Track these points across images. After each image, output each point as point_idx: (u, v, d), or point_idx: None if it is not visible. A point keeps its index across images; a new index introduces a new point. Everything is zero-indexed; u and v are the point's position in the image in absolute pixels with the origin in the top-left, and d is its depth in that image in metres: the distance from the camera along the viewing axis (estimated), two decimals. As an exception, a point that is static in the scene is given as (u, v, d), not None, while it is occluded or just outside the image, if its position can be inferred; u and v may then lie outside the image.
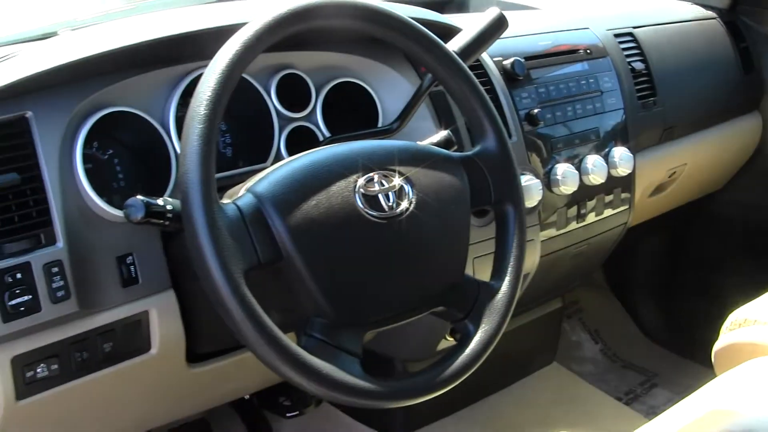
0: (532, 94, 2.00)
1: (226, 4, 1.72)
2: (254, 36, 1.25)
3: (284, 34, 1.29)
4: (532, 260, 1.99)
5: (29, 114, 1.39)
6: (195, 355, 1.62)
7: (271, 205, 1.24)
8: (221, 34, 1.35)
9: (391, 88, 1.79)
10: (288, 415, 2.11)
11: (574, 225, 2.11)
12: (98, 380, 1.49)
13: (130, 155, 1.56)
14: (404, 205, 1.33)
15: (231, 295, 1.16)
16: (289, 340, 1.20)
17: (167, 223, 1.27)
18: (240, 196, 1.26)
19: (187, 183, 1.17)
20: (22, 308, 1.35)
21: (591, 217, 2.15)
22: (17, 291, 1.34)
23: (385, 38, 1.42)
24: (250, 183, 1.29)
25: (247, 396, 2.14)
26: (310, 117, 1.70)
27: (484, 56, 1.92)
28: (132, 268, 1.47)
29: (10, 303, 1.33)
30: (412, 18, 1.45)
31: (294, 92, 1.68)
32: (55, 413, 1.51)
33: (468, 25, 1.66)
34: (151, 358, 1.53)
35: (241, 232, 1.21)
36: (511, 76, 1.97)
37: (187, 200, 1.17)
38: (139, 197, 1.25)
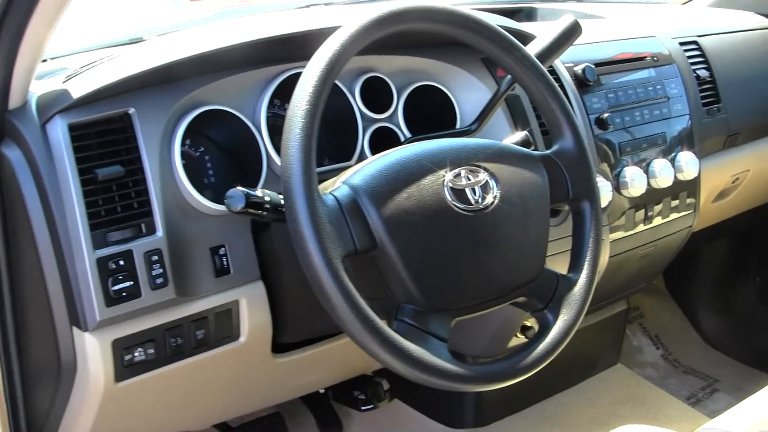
0: (602, 99, 2.07)
1: (311, 10, 1.80)
2: (352, 37, 1.32)
3: (379, 35, 1.36)
4: (601, 260, 2.04)
5: (132, 110, 1.47)
6: (279, 345, 1.70)
7: (366, 196, 1.31)
8: (313, 36, 1.43)
9: (468, 92, 1.85)
10: (363, 408, 2.17)
11: (641, 227, 2.16)
12: (189, 366, 1.56)
13: (220, 153, 1.64)
14: (489, 199, 1.39)
15: (331, 280, 1.22)
16: (383, 324, 1.26)
17: (265, 213, 1.34)
18: (336, 187, 1.33)
19: (290, 173, 1.24)
20: (124, 293, 1.43)
21: (657, 220, 2.20)
22: (120, 277, 1.42)
23: (469, 41, 1.48)
24: (345, 176, 1.36)
25: (322, 390, 2.20)
26: (392, 118, 1.77)
27: (557, 62, 1.99)
28: (224, 258, 1.54)
29: (113, 288, 1.42)
30: None
31: (377, 94, 1.75)
32: (148, 397, 1.59)
33: (543, 31, 1.72)
34: (240, 347, 1.60)
35: (340, 221, 1.28)
36: (582, 81, 2.03)
37: (289, 189, 1.24)
38: (239, 188, 1.32)
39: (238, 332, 1.60)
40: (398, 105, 1.78)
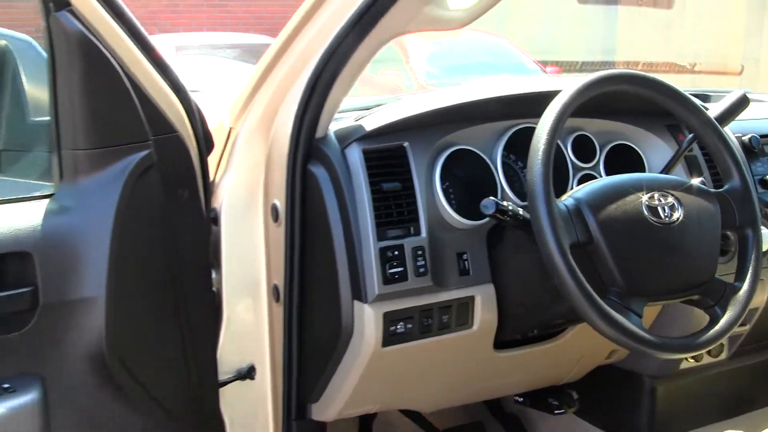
0: (765, 164, 2.47)
1: (527, 78, 2.30)
2: (577, 92, 1.82)
3: (595, 92, 1.84)
4: (760, 297, 2.42)
5: (406, 144, 1.99)
6: (500, 342, 2.16)
7: (587, 205, 1.79)
8: (544, 96, 1.92)
9: (654, 150, 2.31)
10: (556, 412, 2.57)
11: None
12: (432, 344, 2.04)
13: (460, 185, 2.12)
14: (675, 216, 1.84)
15: (561, 260, 1.69)
16: (598, 296, 1.72)
17: (507, 218, 1.82)
18: (565, 199, 1.81)
19: (534, 183, 1.72)
20: (396, 276, 1.92)
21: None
22: (394, 263, 1.92)
23: (663, 104, 1.95)
24: (570, 192, 1.84)
25: (521, 399, 2.63)
26: (595, 167, 2.24)
27: (729, 133, 2.41)
28: (466, 262, 2.02)
29: (389, 271, 1.91)
30: None
31: (583, 148, 2.23)
32: (399, 364, 2.07)
33: (719, 102, 2.18)
34: (471, 334, 2.07)
35: (568, 221, 1.76)
36: (748, 148, 2.45)
37: (534, 194, 1.71)
38: (491, 198, 1.81)
39: (472, 322, 2.06)
40: (601, 157, 2.25)
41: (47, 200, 1.76)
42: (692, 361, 2.47)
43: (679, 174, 2.27)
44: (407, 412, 2.70)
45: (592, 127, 2.26)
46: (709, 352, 2.49)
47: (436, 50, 10.30)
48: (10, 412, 1.65)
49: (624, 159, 2.27)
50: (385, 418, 2.64)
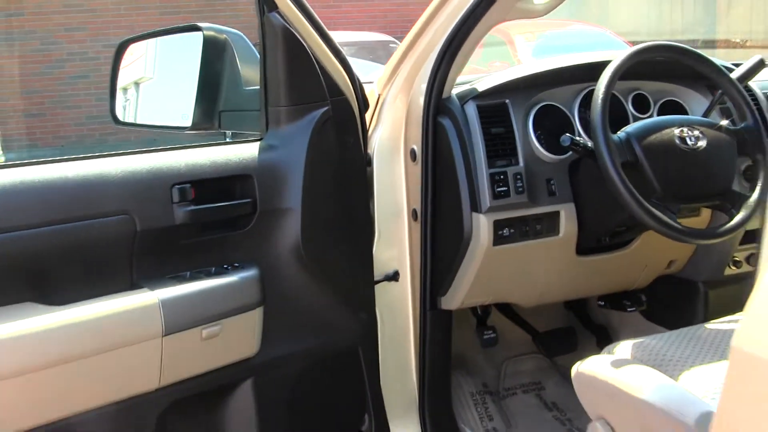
0: None
1: (588, 54, 3.04)
2: (625, 59, 2.54)
3: (638, 59, 2.56)
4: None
5: (507, 101, 2.75)
6: (581, 250, 2.89)
7: (633, 136, 2.51)
8: (606, 64, 2.66)
9: (696, 104, 3.01)
10: (628, 310, 3.24)
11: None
12: (529, 246, 2.76)
13: (547, 132, 2.81)
14: (700, 144, 2.55)
15: (615, 173, 2.40)
16: (641, 197, 2.44)
17: (579, 148, 2.56)
18: (618, 133, 2.54)
19: (595, 120, 2.45)
20: (502, 193, 2.67)
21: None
22: (500, 184, 2.66)
23: (694, 66, 2.67)
24: (623, 128, 2.57)
25: (602, 303, 3.34)
26: (650, 118, 2.94)
27: (756, 90, 3.08)
28: (553, 186, 2.76)
29: (496, 190, 2.66)
30: None
31: (641, 103, 2.95)
32: (505, 261, 2.79)
33: (740, 67, 2.87)
34: (558, 239, 2.79)
35: (620, 146, 2.48)
36: None
37: (595, 128, 2.44)
38: (567, 135, 2.56)
39: (559, 230, 2.77)
40: (654, 110, 2.95)
41: (257, 142, 2.52)
42: (734, 268, 3.15)
43: (715, 120, 2.96)
44: (511, 316, 3.46)
45: (647, 87, 2.97)
46: (748, 262, 3.18)
47: (540, 42, 11.03)
48: (241, 280, 2.39)
49: (672, 111, 2.96)
50: (494, 320, 3.38)
